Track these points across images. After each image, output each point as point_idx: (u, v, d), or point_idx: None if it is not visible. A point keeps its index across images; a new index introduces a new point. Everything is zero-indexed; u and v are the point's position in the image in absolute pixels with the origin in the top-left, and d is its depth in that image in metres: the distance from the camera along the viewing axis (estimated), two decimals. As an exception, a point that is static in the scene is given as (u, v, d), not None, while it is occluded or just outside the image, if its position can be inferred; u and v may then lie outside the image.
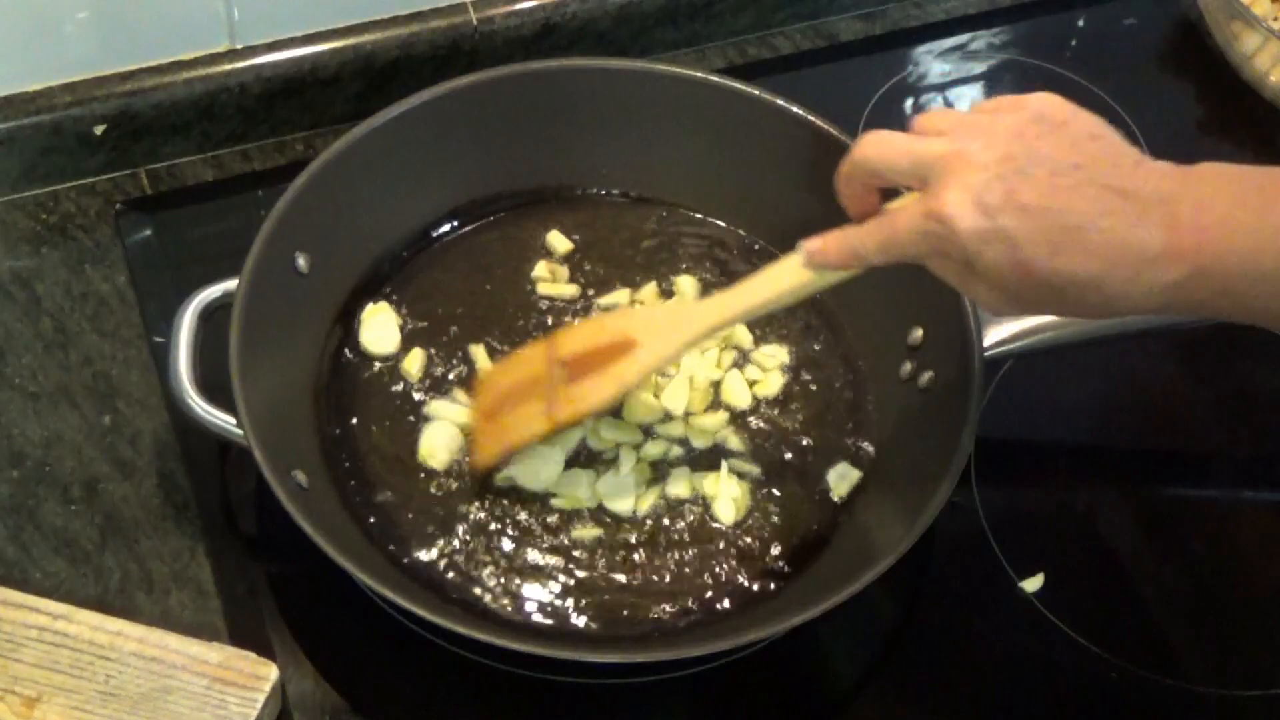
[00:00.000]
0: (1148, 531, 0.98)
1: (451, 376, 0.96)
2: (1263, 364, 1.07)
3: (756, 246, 1.05)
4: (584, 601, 0.88)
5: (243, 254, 0.89)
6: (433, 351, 0.97)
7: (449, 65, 1.12)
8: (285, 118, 1.11)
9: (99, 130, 1.06)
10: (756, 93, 1.02)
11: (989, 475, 0.96)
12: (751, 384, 0.98)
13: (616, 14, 1.16)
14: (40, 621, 0.82)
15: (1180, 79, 1.23)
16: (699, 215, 1.06)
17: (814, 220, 1.01)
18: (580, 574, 0.89)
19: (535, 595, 0.88)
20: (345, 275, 0.99)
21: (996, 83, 1.22)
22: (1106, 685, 0.90)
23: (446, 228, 1.04)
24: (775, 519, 0.93)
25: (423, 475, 0.92)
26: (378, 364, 0.97)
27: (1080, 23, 1.27)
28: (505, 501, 0.91)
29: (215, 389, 0.86)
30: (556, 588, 0.88)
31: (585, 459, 0.94)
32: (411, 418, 0.95)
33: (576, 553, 0.90)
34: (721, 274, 1.03)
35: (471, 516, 0.91)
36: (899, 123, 0.79)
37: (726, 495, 0.92)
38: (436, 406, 0.95)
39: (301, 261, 0.94)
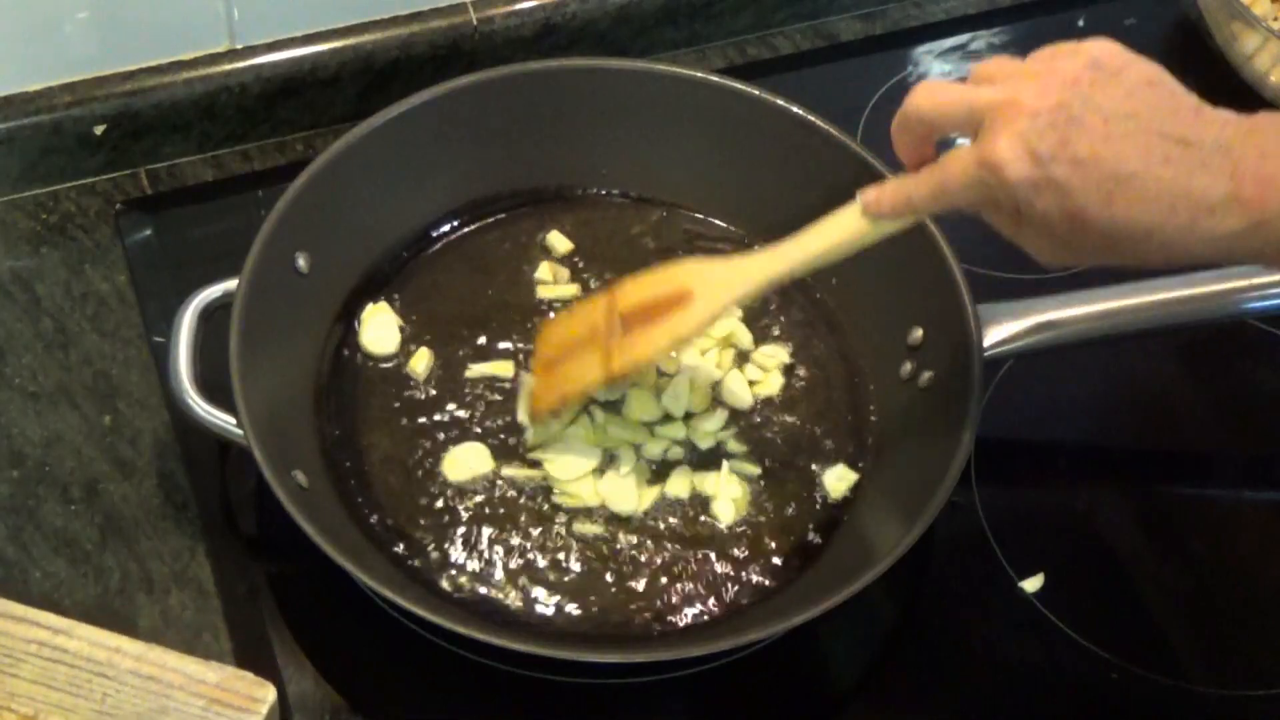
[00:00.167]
0: (1148, 531, 0.98)
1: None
2: (1263, 364, 1.07)
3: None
4: (584, 601, 0.88)
5: (243, 254, 0.89)
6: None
7: (449, 65, 1.12)
8: (285, 118, 1.11)
9: (99, 130, 1.06)
10: (756, 93, 1.02)
11: (989, 475, 0.96)
12: (751, 384, 0.98)
13: (616, 14, 1.16)
14: (39, 636, 0.81)
15: (1180, 79, 1.23)
16: (699, 215, 1.06)
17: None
18: (581, 574, 0.89)
19: (535, 595, 0.88)
20: (345, 275, 0.99)
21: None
22: (1106, 685, 0.90)
23: (446, 228, 1.04)
24: (775, 519, 0.93)
25: (423, 475, 0.92)
26: (378, 364, 0.97)
27: (1080, 23, 1.27)
28: (506, 501, 0.91)
29: (215, 389, 0.86)
30: (557, 587, 0.88)
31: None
32: (413, 418, 0.95)
33: (577, 552, 0.90)
34: (721, 274, 1.03)
35: (472, 516, 0.91)
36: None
37: (726, 495, 0.92)
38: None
39: (301, 261, 0.94)
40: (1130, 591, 0.95)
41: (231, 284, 0.89)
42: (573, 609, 0.88)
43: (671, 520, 0.92)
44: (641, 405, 0.95)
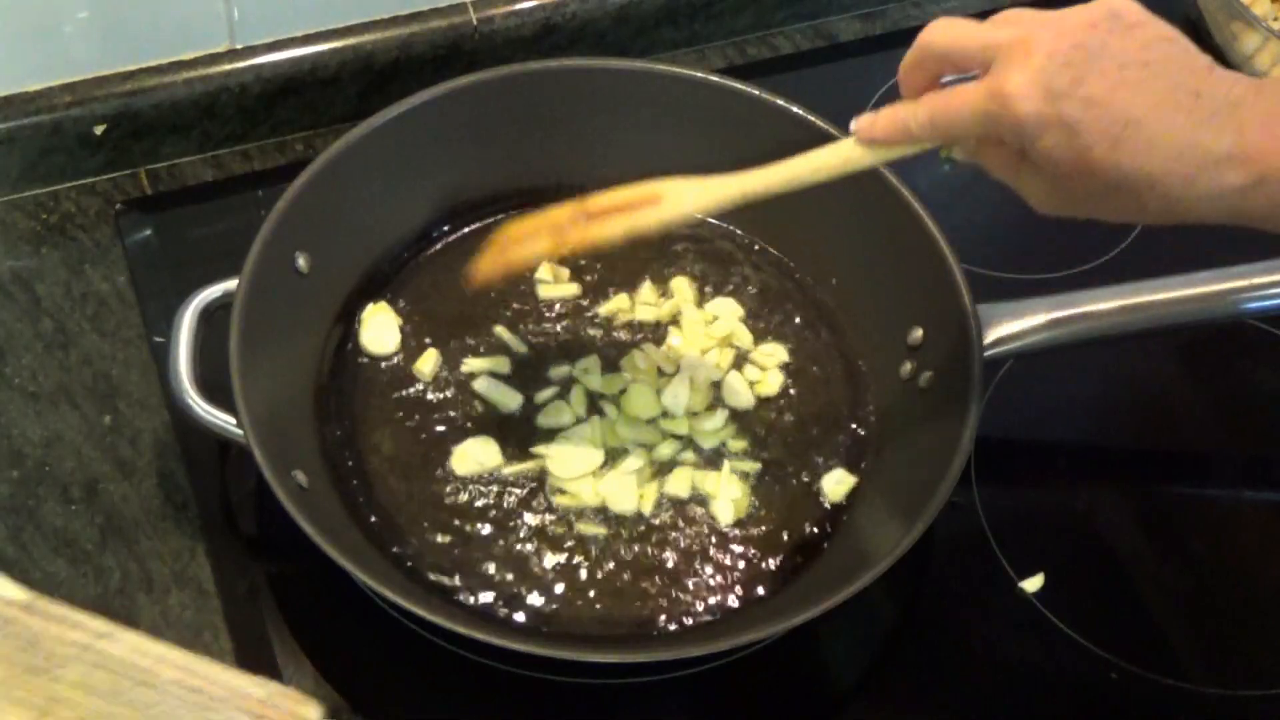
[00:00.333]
0: (1148, 531, 0.98)
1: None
2: (1263, 364, 1.07)
3: (756, 247, 1.05)
4: (584, 601, 0.88)
5: (243, 254, 0.89)
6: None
7: (449, 65, 1.12)
8: (285, 118, 1.11)
9: (99, 130, 1.06)
10: (756, 93, 1.02)
11: (989, 475, 0.96)
12: (751, 384, 0.98)
13: (616, 14, 1.16)
14: (81, 639, 0.78)
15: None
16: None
17: (814, 219, 1.01)
18: (581, 574, 0.89)
19: (536, 595, 0.88)
20: (345, 275, 0.99)
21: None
22: (1106, 685, 0.90)
23: (446, 228, 1.04)
24: (775, 519, 0.93)
25: (423, 475, 0.92)
26: (378, 364, 0.97)
27: (1080, 23, 1.26)
28: (506, 501, 0.91)
29: (215, 389, 0.86)
30: (557, 587, 0.88)
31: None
32: (413, 418, 0.95)
33: (577, 552, 0.90)
34: (722, 274, 1.03)
35: (472, 516, 0.91)
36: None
37: (726, 495, 0.92)
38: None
39: (301, 261, 0.94)
40: (1130, 591, 0.95)
41: (231, 284, 0.89)
42: (573, 609, 0.88)
43: (672, 520, 0.92)
44: (642, 404, 0.95)
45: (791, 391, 0.98)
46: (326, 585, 0.87)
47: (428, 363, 0.96)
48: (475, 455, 0.93)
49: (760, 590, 0.90)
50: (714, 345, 0.99)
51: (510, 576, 0.89)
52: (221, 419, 0.85)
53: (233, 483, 0.93)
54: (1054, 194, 0.74)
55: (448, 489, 0.92)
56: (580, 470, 0.92)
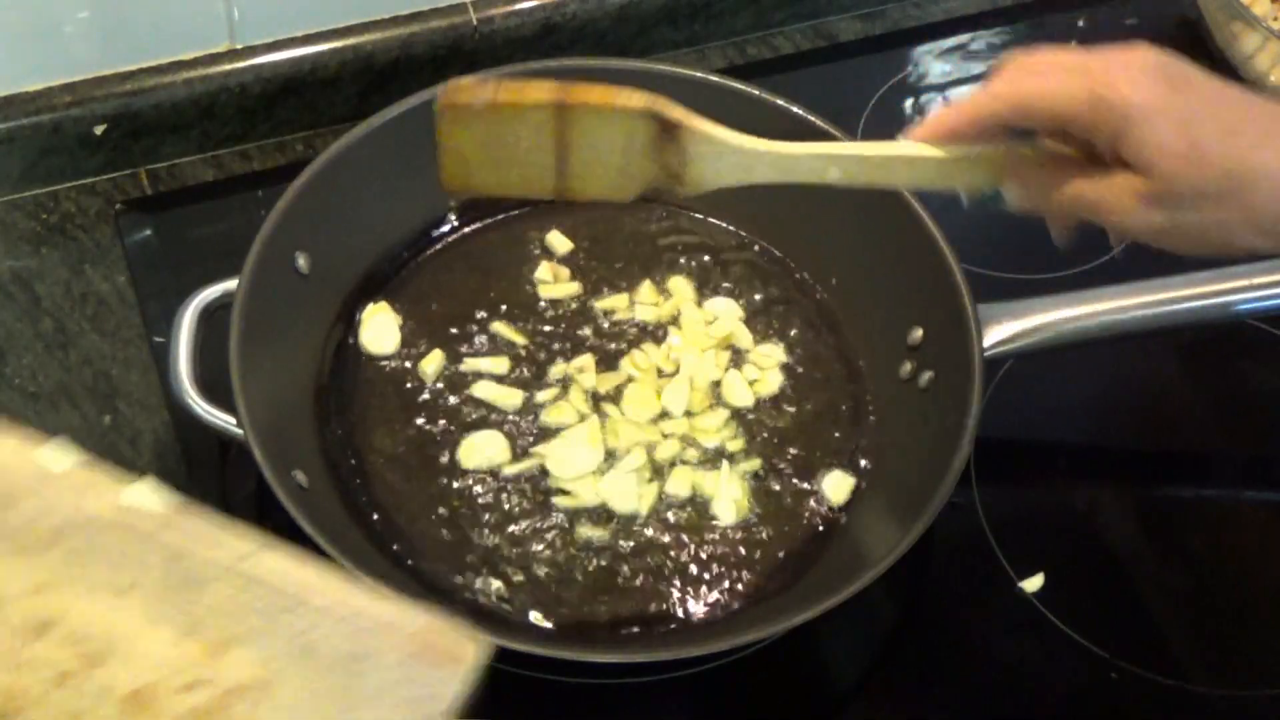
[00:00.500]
0: (1148, 531, 0.98)
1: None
2: (1263, 364, 1.07)
3: (757, 247, 1.05)
4: (585, 601, 0.88)
5: (243, 254, 0.89)
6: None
7: (449, 65, 1.12)
8: (285, 118, 1.11)
9: (99, 130, 1.06)
10: (756, 93, 1.02)
11: (989, 475, 0.96)
12: (751, 383, 0.98)
13: (616, 14, 1.16)
14: (224, 558, 0.69)
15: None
16: (699, 215, 1.06)
17: (814, 219, 1.01)
18: (581, 573, 0.89)
19: (536, 594, 0.88)
20: (345, 275, 0.99)
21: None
22: (1106, 685, 0.90)
23: (446, 228, 1.04)
24: (775, 518, 0.93)
25: (423, 475, 0.92)
26: (378, 364, 0.97)
27: (1080, 23, 1.27)
28: (507, 501, 0.91)
29: (215, 389, 0.86)
30: (557, 587, 0.88)
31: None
32: (413, 418, 0.95)
33: (578, 552, 0.90)
34: (722, 274, 1.03)
35: (472, 516, 0.91)
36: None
37: (727, 495, 0.92)
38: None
39: (301, 261, 0.94)
40: (1130, 591, 0.95)
41: (231, 284, 0.89)
42: (573, 609, 0.88)
43: (672, 520, 0.92)
44: (642, 403, 0.95)
45: (791, 391, 0.98)
46: (326, 585, 0.87)
47: (432, 364, 0.96)
48: (483, 449, 0.93)
49: (760, 590, 0.90)
50: (714, 345, 0.99)
51: (510, 576, 0.89)
52: (221, 419, 0.85)
53: (233, 483, 0.93)
54: (1146, 201, 0.70)
55: (448, 489, 0.92)
56: (580, 470, 0.92)
